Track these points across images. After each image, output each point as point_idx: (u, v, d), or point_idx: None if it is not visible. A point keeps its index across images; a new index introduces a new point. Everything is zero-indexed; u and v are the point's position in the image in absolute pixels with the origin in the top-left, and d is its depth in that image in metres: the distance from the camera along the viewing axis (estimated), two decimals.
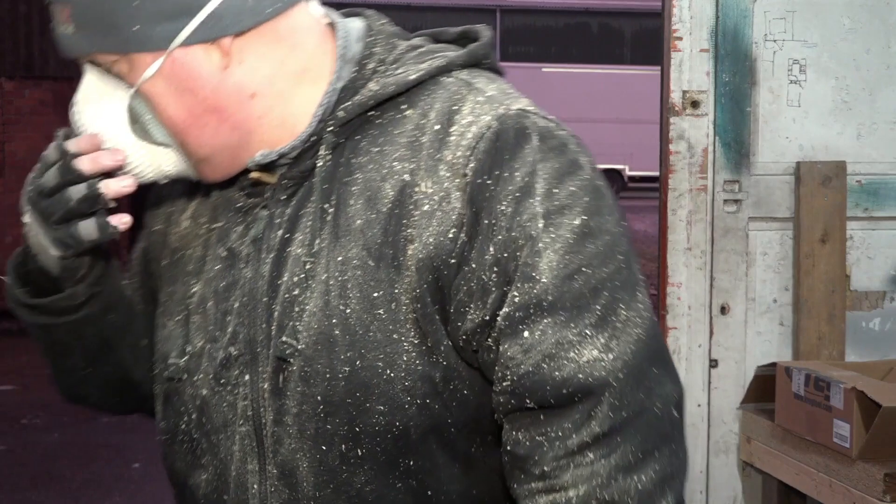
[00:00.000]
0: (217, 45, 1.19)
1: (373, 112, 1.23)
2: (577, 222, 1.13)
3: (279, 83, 1.23)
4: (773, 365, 3.24)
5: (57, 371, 1.44)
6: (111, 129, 1.25)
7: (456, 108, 1.19)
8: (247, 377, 1.24)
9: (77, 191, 1.25)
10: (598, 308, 1.12)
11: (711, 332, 3.38)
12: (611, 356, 1.12)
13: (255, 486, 1.25)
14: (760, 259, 3.40)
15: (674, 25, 3.33)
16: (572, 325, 1.12)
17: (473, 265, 1.14)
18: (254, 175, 1.27)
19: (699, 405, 3.39)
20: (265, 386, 1.22)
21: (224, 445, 1.27)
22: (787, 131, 3.38)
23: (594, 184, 1.17)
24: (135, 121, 1.24)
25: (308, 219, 1.22)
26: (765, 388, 3.24)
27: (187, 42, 1.18)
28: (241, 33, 1.20)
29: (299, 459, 1.21)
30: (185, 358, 1.30)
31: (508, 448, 1.15)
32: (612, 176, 29.51)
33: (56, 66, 12.13)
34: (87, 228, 1.25)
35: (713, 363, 3.39)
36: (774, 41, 3.37)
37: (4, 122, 11.88)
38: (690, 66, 3.33)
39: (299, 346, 1.19)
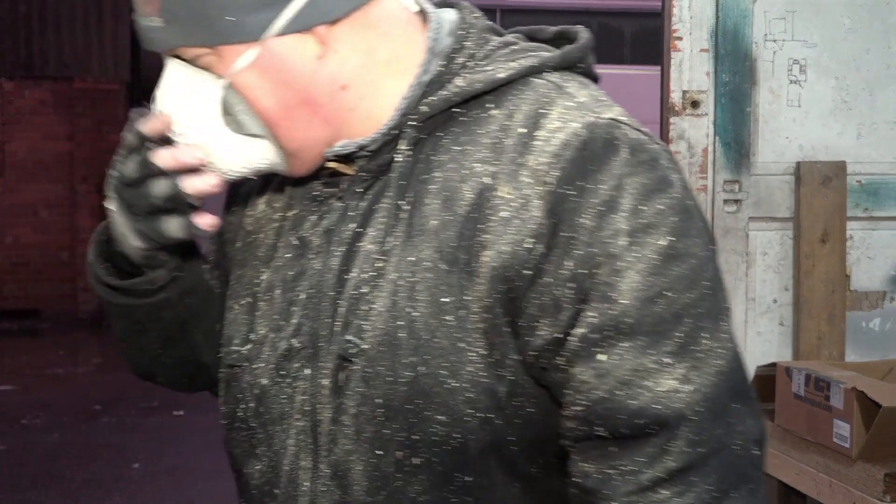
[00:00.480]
0: (312, 33, 1.14)
1: (457, 109, 1.16)
2: (662, 243, 1.06)
3: (369, 74, 1.17)
4: (773, 365, 3.23)
5: (130, 349, 1.40)
6: (199, 124, 1.19)
7: (543, 111, 1.12)
8: (307, 371, 1.19)
9: (160, 187, 1.19)
10: (679, 335, 1.06)
11: None
12: (690, 387, 1.05)
13: (307, 484, 1.19)
14: (760, 259, 3.40)
15: (674, 25, 3.33)
16: (651, 351, 1.05)
17: (549, 279, 1.07)
18: (331, 165, 1.21)
19: None
20: (325, 382, 1.17)
21: (279, 438, 1.22)
22: (787, 131, 3.39)
23: (684, 203, 1.10)
24: (227, 112, 1.18)
25: (382, 214, 1.16)
26: (765, 388, 3.24)
27: (283, 31, 1.13)
28: (336, 21, 1.15)
29: (353, 462, 1.15)
30: (248, 346, 1.25)
31: (577, 480, 1.09)
32: None
33: (56, 66, 12.14)
34: (171, 226, 1.21)
35: None
36: (774, 41, 3.37)
37: (4, 122, 11.89)
38: (690, 66, 3.33)
39: (363, 346, 1.13)
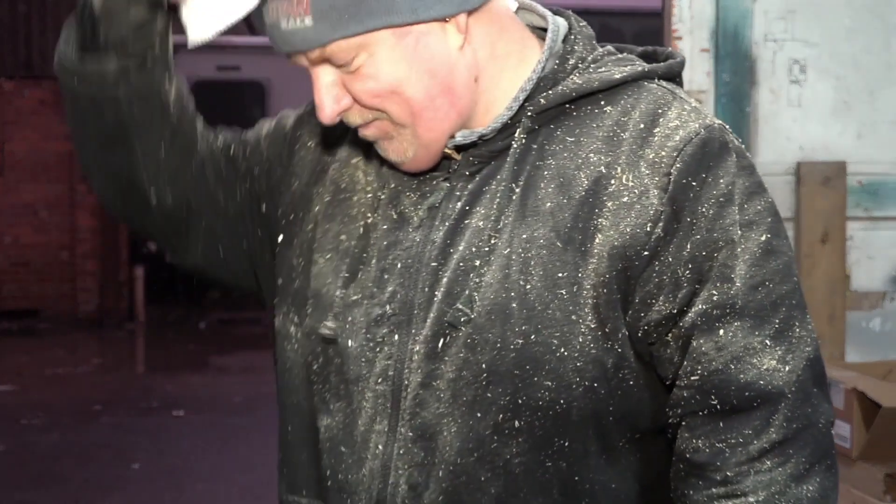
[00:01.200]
0: (455, 22, 1.21)
1: (569, 105, 1.26)
2: (763, 238, 1.21)
3: (492, 67, 1.26)
4: None
5: (75, 140, 1.42)
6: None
7: (661, 111, 1.24)
8: (395, 337, 1.25)
9: None
10: (777, 321, 1.20)
11: None
12: (787, 368, 1.19)
13: (381, 447, 1.26)
14: None
15: (674, 25, 3.33)
16: (756, 332, 1.19)
17: (669, 259, 1.19)
18: (447, 151, 1.28)
19: None
20: (417, 348, 1.24)
21: (356, 399, 1.27)
22: (788, 131, 3.38)
23: (775, 207, 1.25)
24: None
25: (493, 195, 1.24)
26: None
27: (431, 17, 1.20)
28: (475, 10, 1.22)
29: (446, 424, 1.23)
30: (339, 305, 1.29)
31: (687, 456, 1.21)
32: None
33: None
34: None
35: None
36: (774, 41, 3.37)
37: (4, 122, 11.88)
38: (690, 66, 3.33)
39: (472, 315, 1.21)
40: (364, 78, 1.22)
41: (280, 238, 1.40)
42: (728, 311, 1.19)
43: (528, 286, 1.20)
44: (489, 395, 1.21)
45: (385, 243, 1.28)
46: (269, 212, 1.42)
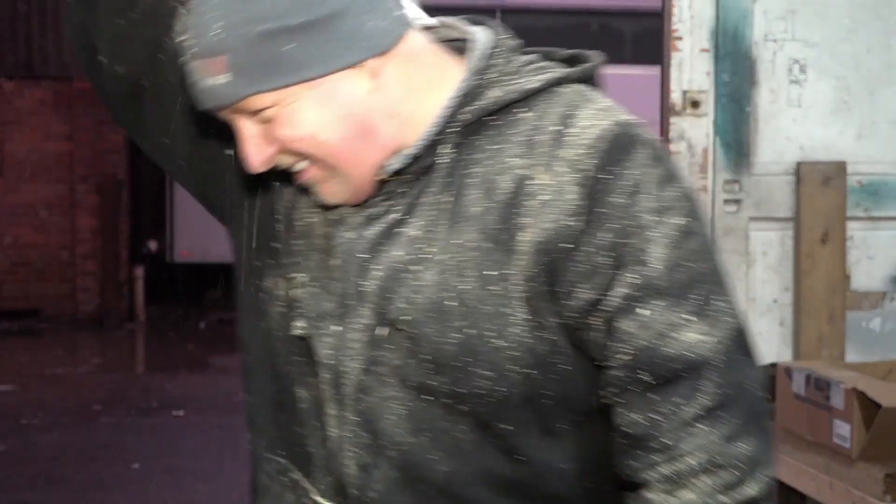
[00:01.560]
0: (366, 67, 1.30)
1: (489, 117, 1.34)
2: (680, 222, 1.29)
3: (413, 98, 1.34)
4: (774, 365, 3.23)
5: None
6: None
7: (571, 113, 1.33)
8: (334, 328, 1.35)
9: None
10: (698, 298, 1.28)
11: None
12: (712, 339, 1.28)
13: (335, 430, 1.36)
14: (760, 259, 3.40)
15: (674, 25, 3.33)
16: (677, 309, 1.27)
17: (589, 248, 1.28)
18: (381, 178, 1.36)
19: None
20: (355, 336, 1.33)
21: (315, 382, 1.37)
22: (788, 131, 3.39)
23: (690, 193, 1.34)
24: None
25: (427, 207, 1.33)
26: (765, 388, 3.24)
27: (341, 66, 1.28)
28: (385, 52, 1.30)
29: (391, 408, 1.32)
30: (299, 290, 1.38)
31: (626, 430, 1.30)
32: None
33: (56, 66, 12.13)
34: None
35: None
36: (774, 41, 3.37)
37: (4, 122, 11.88)
38: (690, 66, 3.34)
39: (412, 314, 1.30)
40: (283, 126, 1.29)
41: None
42: (648, 291, 1.27)
43: (462, 286, 1.29)
44: (433, 382, 1.30)
45: (329, 243, 1.37)
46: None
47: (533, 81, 1.34)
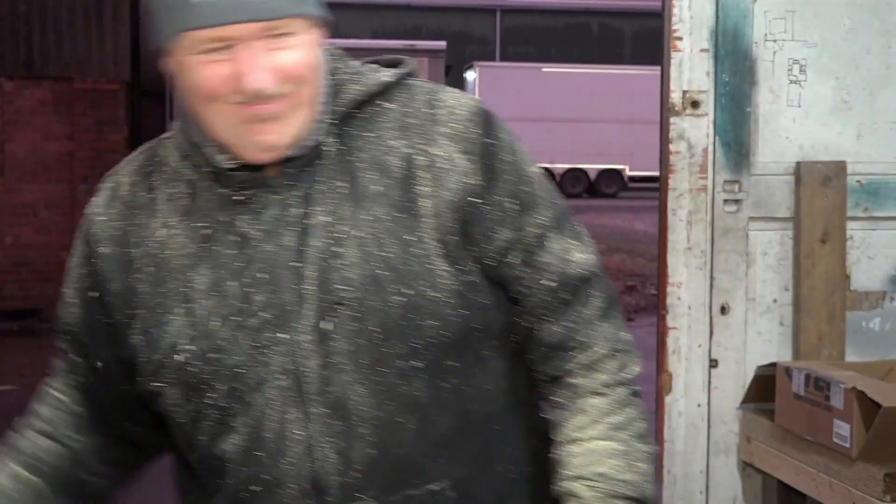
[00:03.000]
0: (319, 37, 1.50)
1: (355, 110, 1.53)
2: (538, 170, 1.59)
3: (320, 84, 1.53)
4: (773, 365, 3.24)
5: None
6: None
7: (434, 96, 1.56)
8: (281, 335, 1.46)
9: None
10: (571, 226, 1.59)
11: (711, 332, 3.38)
12: (591, 256, 1.59)
13: (300, 432, 1.46)
14: (760, 259, 3.40)
15: (674, 25, 3.33)
16: (564, 237, 1.57)
17: (496, 198, 1.52)
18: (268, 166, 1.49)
19: (699, 405, 3.40)
20: (305, 338, 1.45)
21: (257, 404, 1.47)
22: (787, 131, 3.39)
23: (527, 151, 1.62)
24: None
25: (324, 194, 1.49)
26: (765, 388, 3.24)
27: (322, 19, 1.49)
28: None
29: (354, 389, 1.45)
30: (203, 340, 1.48)
31: (549, 340, 1.56)
32: (613, 176, 29.45)
33: (56, 66, 12.13)
34: None
35: (713, 363, 3.39)
36: (774, 41, 3.37)
37: (4, 122, 11.87)
38: (690, 66, 3.34)
39: (351, 291, 1.45)
40: (292, 51, 1.43)
41: (130, 340, 1.56)
42: (547, 227, 1.55)
43: (386, 254, 1.46)
44: (386, 349, 1.46)
45: (237, 264, 1.48)
46: (126, 349, 1.57)
47: (386, 75, 1.56)
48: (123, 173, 1.60)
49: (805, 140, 3.39)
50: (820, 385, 2.94)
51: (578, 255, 1.57)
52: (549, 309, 1.56)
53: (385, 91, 1.55)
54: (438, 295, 1.47)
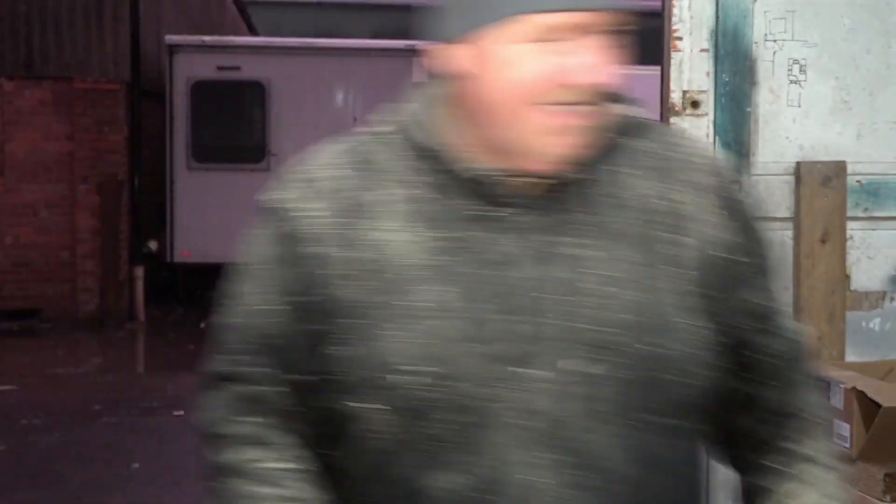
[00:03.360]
0: None
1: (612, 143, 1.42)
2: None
3: None
4: None
5: None
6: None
7: (675, 141, 1.49)
8: (531, 371, 1.32)
9: None
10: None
11: None
12: (796, 325, 1.58)
13: (551, 481, 1.32)
14: None
15: (674, 25, 3.33)
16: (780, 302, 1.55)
17: (748, 259, 1.46)
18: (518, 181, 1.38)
19: None
20: (565, 378, 1.33)
21: (490, 443, 1.32)
22: (787, 131, 3.39)
23: None
24: None
25: (583, 226, 1.37)
26: None
27: None
28: None
29: (614, 445, 1.35)
30: (429, 363, 1.32)
31: (769, 406, 1.52)
32: None
33: (56, 66, 12.14)
34: None
35: None
36: (774, 41, 3.37)
37: (4, 122, 11.88)
38: (690, 66, 3.34)
39: (618, 333, 1.34)
40: (608, 53, 1.33)
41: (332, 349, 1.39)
42: (777, 291, 1.52)
43: (657, 301, 1.37)
44: (644, 403, 1.36)
45: (486, 285, 1.33)
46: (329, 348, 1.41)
47: (637, 112, 1.46)
48: (319, 167, 1.41)
49: (805, 140, 3.39)
50: (819, 385, 2.94)
51: (794, 322, 1.57)
52: (776, 375, 1.52)
53: (634, 128, 1.45)
54: (696, 352, 1.40)
